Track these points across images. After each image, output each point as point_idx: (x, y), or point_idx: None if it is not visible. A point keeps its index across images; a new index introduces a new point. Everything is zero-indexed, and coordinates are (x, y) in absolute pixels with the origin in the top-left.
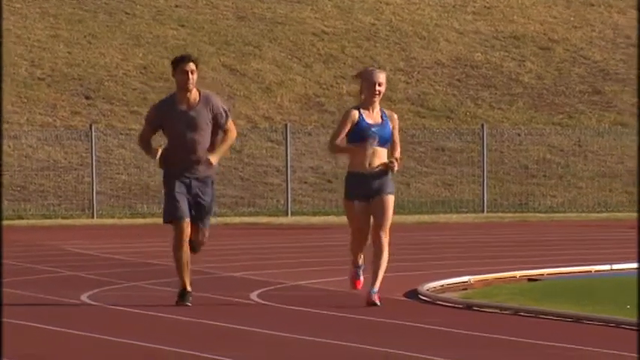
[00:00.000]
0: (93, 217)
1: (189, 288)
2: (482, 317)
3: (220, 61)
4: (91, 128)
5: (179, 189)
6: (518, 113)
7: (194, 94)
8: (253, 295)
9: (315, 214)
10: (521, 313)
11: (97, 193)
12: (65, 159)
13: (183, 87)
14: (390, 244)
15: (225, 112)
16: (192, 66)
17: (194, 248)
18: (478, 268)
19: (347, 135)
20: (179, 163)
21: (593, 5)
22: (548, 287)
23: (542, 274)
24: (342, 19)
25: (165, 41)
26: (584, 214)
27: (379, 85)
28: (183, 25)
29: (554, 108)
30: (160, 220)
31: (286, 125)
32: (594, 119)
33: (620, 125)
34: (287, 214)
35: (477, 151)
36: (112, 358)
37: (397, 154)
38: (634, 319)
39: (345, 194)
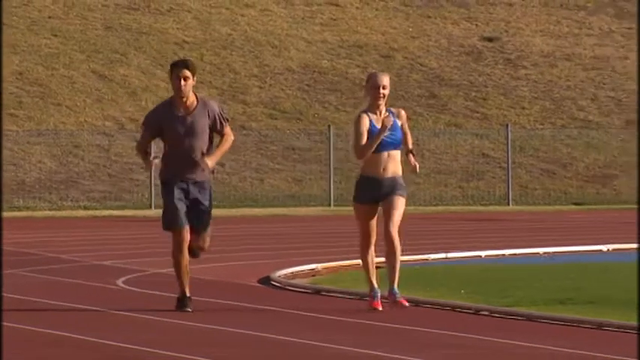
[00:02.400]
0: None
1: (188, 293)
2: (329, 301)
3: (90, 67)
4: None
5: (178, 196)
6: (351, 114)
7: (191, 99)
8: (119, 282)
9: None
10: (365, 298)
11: None
12: None
13: (178, 93)
14: (401, 239)
15: (222, 116)
16: (186, 72)
17: (195, 253)
18: (325, 256)
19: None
20: (177, 168)
21: (429, 17)
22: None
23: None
24: (201, 30)
25: (39, 49)
26: (421, 208)
27: (383, 88)
28: (55, 35)
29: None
30: (36, 214)
31: None
32: (431, 121)
33: (454, 126)
34: (151, 207)
35: (324, 150)
36: None
37: (410, 145)
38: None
39: (355, 197)
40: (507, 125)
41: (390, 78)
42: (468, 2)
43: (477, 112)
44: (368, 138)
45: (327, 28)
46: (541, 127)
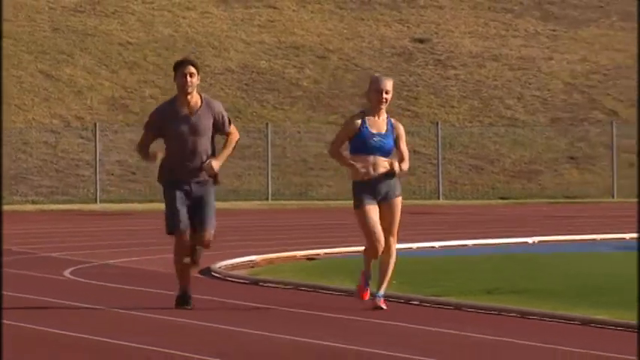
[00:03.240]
0: None
1: (189, 292)
2: (267, 292)
3: (37, 67)
4: None
5: (179, 200)
6: (298, 113)
7: (195, 99)
8: (66, 272)
9: (120, 201)
10: (302, 288)
11: None
12: None
13: (183, 90)
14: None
15: (226, 116)
16: (191, 69)
17: (195, 255)
18: (264, 248)
19: (349, 142)
20: (180, 168)
21: (363, 19)
22: (324, 265)
23: (319, 254)
24: (145, 31)
25: None
26: None
27: (386, 92)
28: (5, 37)
29: (329, 109)
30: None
31: (95, 124)
32: None
33: None
34: (96, 202)
35: (263, 146)
36: None
37: (404, 165)
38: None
39: (355, 204)
40: (437, 123)
41: (325, 78)
42: (399, 5)
43: (409, 111)
44: (352, 142)
45: (264, 30)
46: (470, 124)
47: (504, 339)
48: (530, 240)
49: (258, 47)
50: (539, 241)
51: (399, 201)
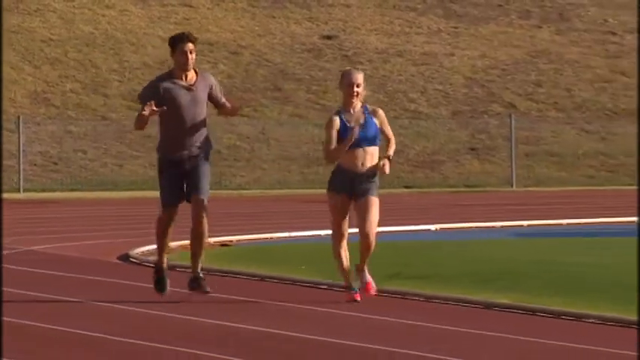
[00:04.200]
0: None
1: (165, 265)
2: (182, 276)
3: None
4: None
5: (172, 177)
6: (211, 107)
7: (192, 73)
8: None
9: (43, 190)
10: (215, 273)
11: None
12: None
13: (183, 67)
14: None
15: (219, 87)
16: (190, 46)
17: (198, 237)
18: (179, 235)
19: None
20: (177, 139)
21: (274, 17)
22: (237, 251)
23: (232, 241)
24: (66, 28)
25: None
26: (267, 191)
27: (357, 85)
28: None
29: (242, 102)
30: None
31: (19, 117)
32: (275, 112)
33: (297, 117)
34: (20, 191)
35: None
36: None
37: (390, 151)
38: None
39: (329, 186)
40: None
41: (238, 73)
42: (309, 4)
43: (318, 104)
44: (338, 139)
45: (180, 27)
46: None
47: (408, 322)
48: (432, 227)
49: None
50: (442, 229)
51: (376, 200)
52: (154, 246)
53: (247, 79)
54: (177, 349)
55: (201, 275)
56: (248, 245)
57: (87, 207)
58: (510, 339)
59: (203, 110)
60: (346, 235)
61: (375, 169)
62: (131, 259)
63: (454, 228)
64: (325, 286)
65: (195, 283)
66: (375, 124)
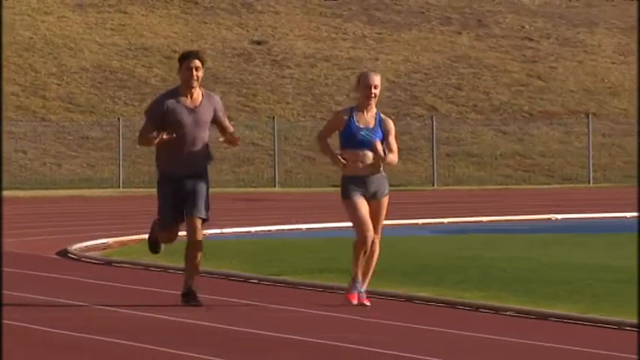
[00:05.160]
0: None
1: (159, 245)
2: (119, 271)
3: None
4: None
5: (172, 196)
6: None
7: (197, 92)
8: None
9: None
10: (151, 268)
11: None
12: None
13: (188, 84)
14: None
15: (223, 110)
16: (197, 63)
17: (193, 250)
18: (116, 232)
19: (340, 137)
20: (177, 160)
21: (206, 23)
22: (171, 247)
23: None
24: (6, 34)
25: None
26: None
27: (374, 87)
28: None
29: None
30: None
31: None
32: None
33: (228, 119)
34: None
35: (115, 139)
36: None
37: (391, 156)
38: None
39: (343, 194)
40: (274, 118)
41: (172, 76)
42: (239, 10)
43: (248, 107)
44: (341, 136)
45: (116, 33)
46: (303, 119)
47: (333, 314)
48: None
49: (110, 48)
50: None
51: (386, 200)
52: (92, 242)
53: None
54: (96, 337)
55: (193, 289)
56: (182, 241)
57: (27, 205)
58: (432, 331)
59: (205, 132)
60: (370, 242)
61: (378, 154)
62: (70, 255)
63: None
64: (255, 280)
65: (188, 297)
66: (381, 133)
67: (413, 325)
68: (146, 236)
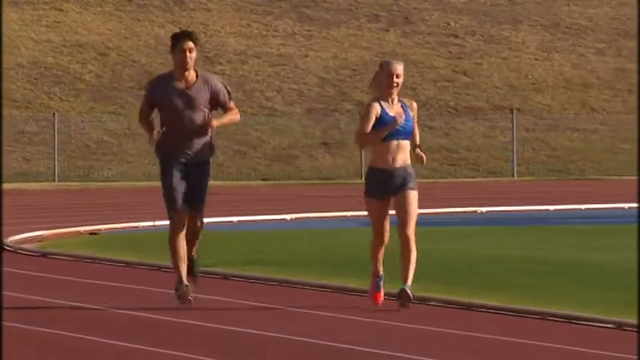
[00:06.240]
0: None
1: (185, 282)
2: (54, 263)
3: None
4: None
5: (177, 178)
6: (81, 104)
7: (192, 74)
8: None
9: None
10: (86, 260)
11: None
12: None
13: (182, 66)
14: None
15: (227, 90)
16: (190, 44)
17: (193, 234)
18: (51, 224)
19: (373, 128)
20: (175, 143)
21: (139, 20)
22: (106, 239)
23: (101, 229)
24: None
25: None
26: (133, 183)
27: (397, 76)
28: None
29: (110, 100)
30: None
31: None
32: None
33: None
34: None
35: (50, 134)
36: None
37: (417, 140)
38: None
39: (366, 191)
40: None
41: (106, 72)
42: (172, 8)
43: None
44: (378, 126)
45: (51, 30)
46: None
47: (266, 305)
48: (288, 217)
49: (45, 45)
50: (297, 218)
51: (414, 194)
52: (28, 234)
53: (114, 78)
54: (35, 329)
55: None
56: (116, 234)
57: None
58: (361, 321)
59: (200, 114)
60: (386, 242)
61: (421, 162)
62: (6, 247)
63: (309, 217)
64: None
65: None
66: (411, 118)
67: (340, 316)
68: (79, 228)
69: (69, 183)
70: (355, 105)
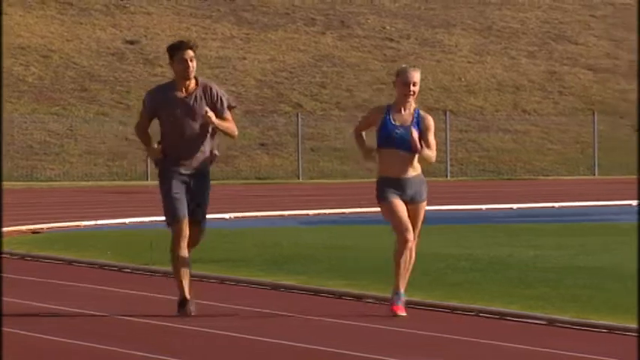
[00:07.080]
0: None
1: (188, 296)
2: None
3: None
4: None
5: (176, 189)
6: (24, 106)
7: (192, 82)
8: None
9: None
10: (27, 258)
11: None
12: None
13: (184, 76)
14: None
15: (225, 99)
16: (191, 53)
17: (192, 244)
18: (15, 220)
19: (376, 134)
20: (175, 153)
21: (81, 23)
22: (47, 238)
23: (43, 228)
24: None
25: None
26: (75, 183)
27: (413, 85)
28: None
29: (52, 101)
30: None
31: None
32: (82, 110)
33: (102, 115)
34: None
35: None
36: None
37: (429, 151)
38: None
39: (378, 197)
40: None
41: (48, 74)
42: (113, 12)
43: (122, 103)
44: (377, 133)
45: None
46: None
47: (206, 302)
48: (227, 216)
49: None
50: (235, 217)
51: (424, 205)
52: None
53: (56, 80)
54: None
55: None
56: (58, 232)
57: None
58: (297, 318)
59: (200, 123)
60: (411, 245)
61: (415, 149)
62: None
63: (247, 217)
64: (129, 270)
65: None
66: (416, 130)
67: (276, 312)
68: (22, 227)
69: (13, 182)
70: (292, 107)
